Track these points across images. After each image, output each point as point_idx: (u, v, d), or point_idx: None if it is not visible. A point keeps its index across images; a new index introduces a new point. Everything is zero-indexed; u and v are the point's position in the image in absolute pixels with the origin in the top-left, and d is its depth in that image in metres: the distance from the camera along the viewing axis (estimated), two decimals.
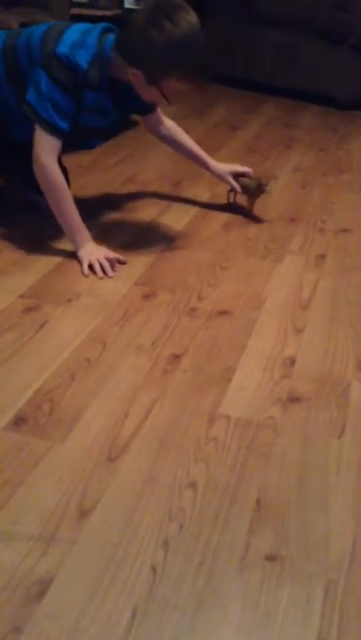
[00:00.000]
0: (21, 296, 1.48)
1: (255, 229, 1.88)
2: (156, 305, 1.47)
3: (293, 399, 1.19)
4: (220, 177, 1.92)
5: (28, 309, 1.43)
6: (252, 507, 0.95)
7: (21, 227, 1.80)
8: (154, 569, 0.84)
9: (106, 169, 2.28)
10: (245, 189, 1.90)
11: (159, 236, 1.81)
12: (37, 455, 1.02)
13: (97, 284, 1.55)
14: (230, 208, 1.98)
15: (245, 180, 1.90)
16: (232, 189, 1.93)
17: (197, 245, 1.76)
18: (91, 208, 1.95)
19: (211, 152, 2.52)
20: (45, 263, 1.62)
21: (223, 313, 1.45)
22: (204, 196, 2.09)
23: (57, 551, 0.86)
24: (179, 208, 1.98)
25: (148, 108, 1.78)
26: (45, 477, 0.98)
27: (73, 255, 1.66)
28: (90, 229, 1.82)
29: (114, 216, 1.91)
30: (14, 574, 0.82)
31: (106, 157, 2.40)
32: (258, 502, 0.96)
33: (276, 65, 3.42)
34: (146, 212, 1.95)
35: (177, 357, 1.29)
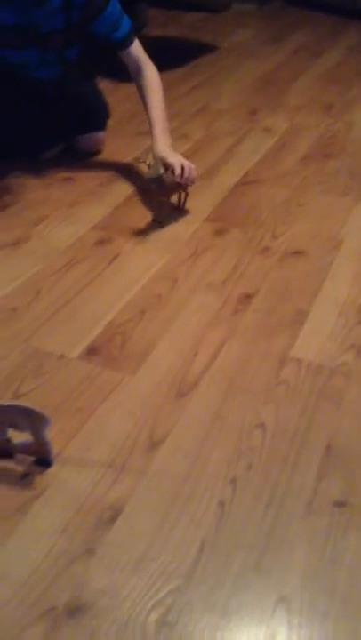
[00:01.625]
0: (93, 228, 1.47)
1: (335, 164, 1.78)
2: (227, 242, 1.43)
3: None
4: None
5: (101, 241, 1.42)
6: (322, 452, 0.93)
7: (92, 158, 1.77)
8: (222, 505, 0.85)
9: (178, 97, 2.19)
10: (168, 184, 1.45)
11: (232, 168, 1.73)
12: (109, 386, 1.04)
13: (170, 218, 1.51)
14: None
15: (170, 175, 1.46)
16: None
17: (272, 180, 1.69)
18: None
19: (290, 80, 2.38)
20: (116, 196, 1.60)
21: (298, 253, 1.40)
22: (282, 127, 1.98)
23: (127, 480, 0.88)
24: (254, 139, 1.88)
25: (104, 27, 1.49)
26: (116, 408, 1.00)
27: (143, 189, 1.63)
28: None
29: (185, 146, 1.84)
30: (87, 499, 0.85)
31: (179, 84, 2.30)
32: (328, 448, 0.94)
33: None
34: (219, 143, 1.87)
35: (248, 297, 1.26)
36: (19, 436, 0.88)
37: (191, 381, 1.06)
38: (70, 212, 1.54)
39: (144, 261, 1.36)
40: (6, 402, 0.87)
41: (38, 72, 1.61)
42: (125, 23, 1.53)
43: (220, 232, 1.47)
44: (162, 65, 2.45)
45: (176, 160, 1.46)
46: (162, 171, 1.41)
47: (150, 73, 1.59)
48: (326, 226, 1.49)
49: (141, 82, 1.59)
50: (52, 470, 0.89)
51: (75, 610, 0.72)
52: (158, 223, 1.49)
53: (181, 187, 1.49)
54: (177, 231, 1.46)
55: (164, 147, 1.51)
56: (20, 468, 0.89)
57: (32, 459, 0.89)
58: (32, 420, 0.83)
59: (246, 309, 1.23)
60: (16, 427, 0.85)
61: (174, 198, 1.53)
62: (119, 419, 0.98)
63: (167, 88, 2.27)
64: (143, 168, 1.53)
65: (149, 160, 1.46)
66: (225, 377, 1.07)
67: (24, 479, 0.87)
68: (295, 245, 1.42)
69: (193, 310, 1.22)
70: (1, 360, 1.08)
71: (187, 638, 0.71)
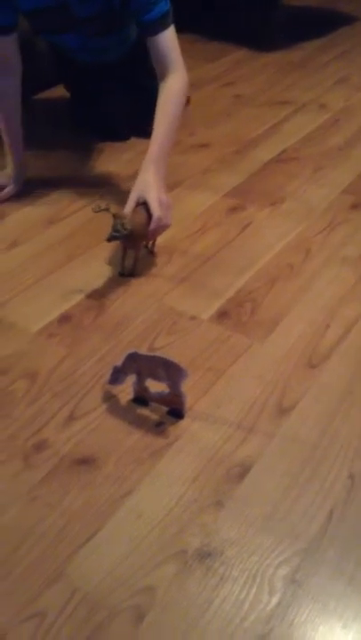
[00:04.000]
0: (226, 195, 1.47)
1: None
2: None
3: None
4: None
5: (233, 209, 1.42)
6: None
7: (228, 126, 1.76)
8: (352, 477, 0.84)
9: (317, 68, 2.13)
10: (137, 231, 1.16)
11: None
12: (238, 350, 1.05)
13: (302, 190, 1.48)
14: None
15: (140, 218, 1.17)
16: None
17: None
18: (298, 109, 1.85)
19: None
20: (250, 164, 1.59)
21: None
22: None
23: (256, 441, 0.89)
24: None
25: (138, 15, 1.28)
26: (245, 372, 1.01)
27: (277, 159, 1.60)
28: (295, 132, 1.74)
29: (322, 118, 1.79)
30: (217, 453, 0.87)
31: (317, 55, 2.23)
32: None
33: None
34: (359, 115, 1.80)
35: None
36: (155, 387, 0.91)
37: (322, 353, 1.04)
38: (204, 178, 1.55)
39: (276, 230, 1.35)
40: (148, 353, 0.90)
41: (80, 56, 1.59)
42: (160, 8, 1.27)
43: (357, 205, 1.42)
44: (299, 35, 2.39)
45: (154, 200, 1.16)
46: (129, 227, 1.11)
47: (173, 82, 1.29)
48: None
49: (161, 90, 1.30)
50: (184, 423, 0.91)
51: (204, 555, 0.74)
52: (128, 275, 1.23)
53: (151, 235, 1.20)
54: (313, 202, 1.43)
55: (148, 180, 1.20)
56: (154, 417, 0.92)
57: (165, 409, 0.92)
58: (171, 371, 0.86)
59: None
60: (155, 377, 0.88)
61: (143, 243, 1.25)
62: (248, 382, 0.99)
63: (305, 59, 2.22)
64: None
65: (111, 208, 1.13)
66: (358, 353, 1.04)
67: (158, 427, 0.90)
68: None
69: (326, 283, 1.20)
70: (139, 315, 1.12)
71: (314, 598, 0.71)
